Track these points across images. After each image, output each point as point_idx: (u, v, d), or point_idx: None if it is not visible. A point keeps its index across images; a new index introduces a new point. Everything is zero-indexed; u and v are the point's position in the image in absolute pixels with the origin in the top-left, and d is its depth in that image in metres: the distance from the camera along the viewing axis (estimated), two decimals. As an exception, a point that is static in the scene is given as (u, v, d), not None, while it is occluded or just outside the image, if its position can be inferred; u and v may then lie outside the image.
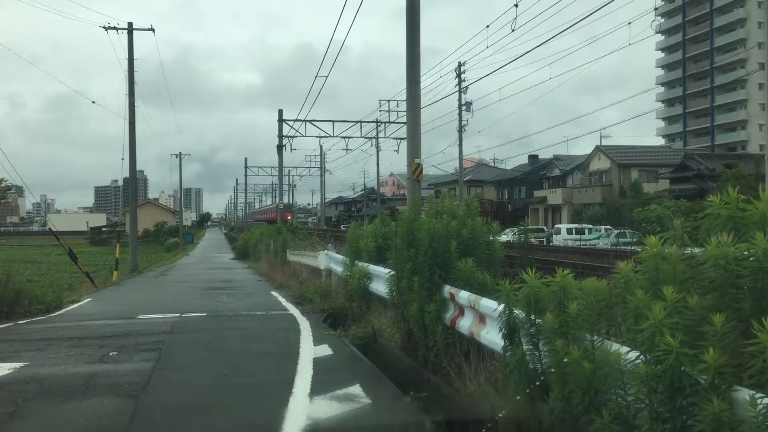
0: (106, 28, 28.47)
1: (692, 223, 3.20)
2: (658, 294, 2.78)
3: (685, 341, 2.57)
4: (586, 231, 41.75)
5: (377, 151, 50.75)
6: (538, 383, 3.75)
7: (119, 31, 28.54)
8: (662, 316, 2.64)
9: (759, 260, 2.61)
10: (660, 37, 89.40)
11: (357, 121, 40.30)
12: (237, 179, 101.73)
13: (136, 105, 28.88)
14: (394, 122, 39.38)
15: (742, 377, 2.49)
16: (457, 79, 41.78)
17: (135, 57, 29.12)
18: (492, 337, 4.99)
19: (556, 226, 48.20)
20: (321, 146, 61.93)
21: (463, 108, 42.32)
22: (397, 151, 41.69)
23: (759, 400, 2.31)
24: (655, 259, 3.00)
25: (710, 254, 2.73)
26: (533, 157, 69.73)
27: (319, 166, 65.47)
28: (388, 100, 39.23)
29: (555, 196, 60.12)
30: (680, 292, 2.73)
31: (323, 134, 38.59)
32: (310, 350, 7.77)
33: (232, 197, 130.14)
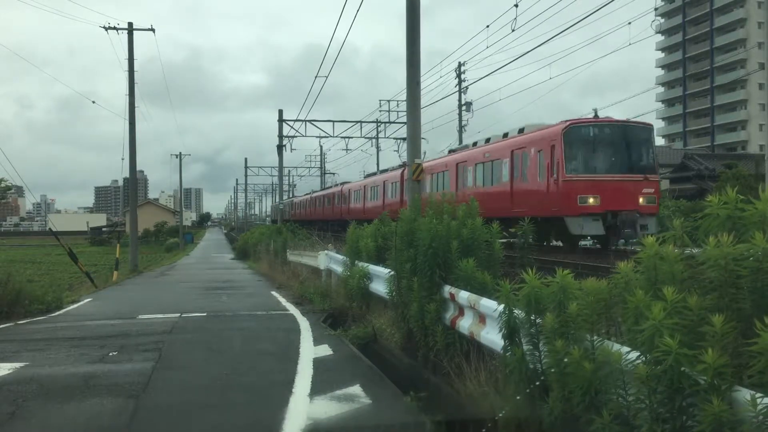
0: (106, 29, 28.49)
1: (692, 223, 3.20)
2: (658, 294, 2.78)
3: (684, 342, 2.57)
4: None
5: (377, 151, 50.66)
6: (538, 383, 3.75)
7: (119, 31, 28.59)
8: (662, 317, 2.64)
9: (758, 260, 2.61)
10: (660, 37, 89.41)
11: (357, 121, 40.38)
12: (237, 179, 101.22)
13: (137, 105, 28.97)
14: (394, 122, 39.45)
15: (742, 377, 2.49)
16: (457, 79, 41.77)
17: (140, 58, 29.21)
18: (492, 337, 5.00)
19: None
20: (321, 146, 61.52)
21: (464, 108, 42.27)
22: (397, 151, 41.72)
23: (759, 400, 2.31)
24: (653, 259, 3.00)
25: (710, 254, 2.73)
26: (534, 157, 69.15)
27: (319, 166, 65.43)
28: (389, 100, 39.36)
29: (556, 196, 59.36)
30: (679, 293, 2.73)
31: (323, 134, 38.65)
32: (310, 350, 7.77)
33: (233, 197, 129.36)
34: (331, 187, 51.57)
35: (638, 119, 18.80)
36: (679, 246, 3.07)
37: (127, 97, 28.73)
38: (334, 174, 63.79)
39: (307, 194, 61.34)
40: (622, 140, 16.52)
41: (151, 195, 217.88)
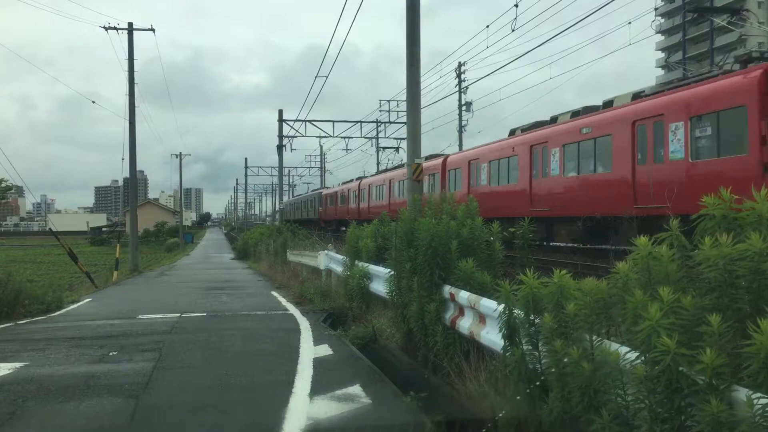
0: (106, 28, 28.49)
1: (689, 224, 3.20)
2: (653, 294, 2.79)
3: (682, 342, 2.58)
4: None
5: (377, 151, 50.70)
6: (537, 383, 3.76)
7: (119, 31, 28.59)
8: (659, 317, 2.64)
9: (755, 260, 2.61)
10: (660, 37, 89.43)
11: (357, 121, 40.42)
12: (237, 179, 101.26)
13: (137, 105, 28.95)
14: (394, 122, 39.52)
15: (741, 377, 2.49)
16: (457, 79, 41.78)
17: (141, 58, 29.19)
18: (492, 337, 5.01)
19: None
20: (321, 146, 61.33)
21: (463, 108, 42.29)
22: (397, 151, 41.74)
23: (756, 400, 2.31)
24: (646, 259, 3.00)
25: (708, 254, 2.74)
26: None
27: (320, 166, 65.50)
28: (389, 100, 39.38)
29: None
30: (674, 293, 2.73)
31: (323, 134, 38.69)
32: (310, 350, 7.78)
33: (233, 197, 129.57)
34: (396, 167, 33.20)
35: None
36: (676, 246, 3.07)
37: (127, 97, 28.76)
38: (397, 149, 42.91)
39: (347, 183, 44.37)
40: None
41: (151, 195, 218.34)
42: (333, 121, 39.01)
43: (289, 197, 73.59)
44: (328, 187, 53.55)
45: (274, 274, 21.16)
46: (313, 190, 59.53)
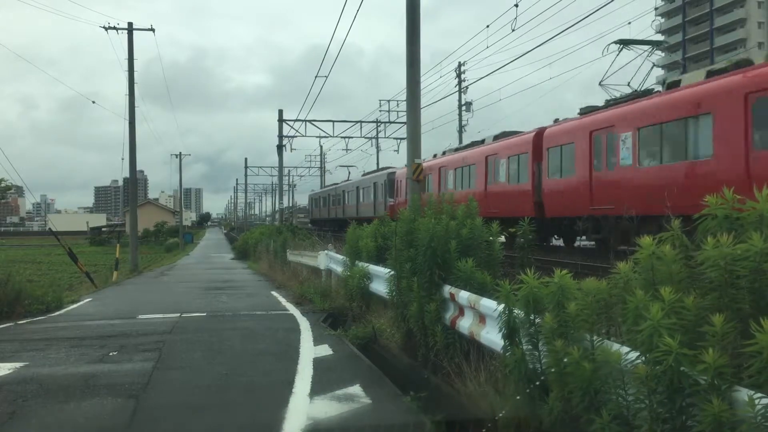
0: (106, 29, 28.50)
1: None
2: (656, 294, 2.78)
3: (684, 342, 2.58)
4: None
5: (377, 151, 50.63)
6: (537, 383, 3.75)
7: (119, 31, 28.59)
8: (660, 317, 2.64)
9: (756, 260, 2.61)
10: (660, 37, 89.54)
11: (357, 121, 40.42)
12: (237, 179, 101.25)
13: (137, 106, 28.98)
14: (394, 122, 39.52)
15: (742, 377, 2.49)
16: (457, 79, 41.78)
17: (141, 58, 29.19)
18: (492, 337, 5.00)
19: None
20: (321, 146, 61.03)
21: (463, 108, 42.28)
22: (397, 151, 41.81)
23: (757, 401, 2.31)
24: (650, 259, 3.00)
25: (709, 255, 2.73)
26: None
27: (319, 166, 65.49)
28: (389, 100, 39.37)
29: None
30: (677, 293, 2.73)
31: (323, 134, 38.70)
32: (310, 350, 7.78)
33: (233, 197, 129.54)
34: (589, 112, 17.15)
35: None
36: (677, 246, 3.07)
37: (127, 97, 28.76)
38: (623, 46, 18.10)
39: (462, 149, 26.17)
40: None
41: (151, 195, 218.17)
42: (333, 121, 39.07)
43: (290, 197, 73.52)
44: (394, 167, 36.19)
45: (273, 274, 21.16)
46: (371, 171, 42.40)
